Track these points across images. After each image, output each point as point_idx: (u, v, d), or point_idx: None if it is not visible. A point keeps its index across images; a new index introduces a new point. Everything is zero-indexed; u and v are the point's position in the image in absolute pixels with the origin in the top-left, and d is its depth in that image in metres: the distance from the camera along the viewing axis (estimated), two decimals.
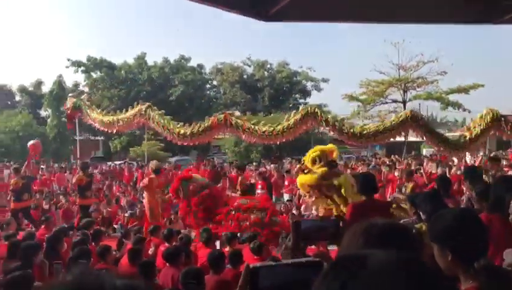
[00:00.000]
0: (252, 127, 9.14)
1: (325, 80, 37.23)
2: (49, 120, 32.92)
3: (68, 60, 33.97)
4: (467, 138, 8.94)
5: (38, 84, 38.55)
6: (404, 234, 1.16)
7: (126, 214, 10.30)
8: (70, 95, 14.04)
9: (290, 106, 37.09)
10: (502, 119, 8.88)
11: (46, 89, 36.72)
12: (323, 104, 32.48)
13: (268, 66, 37.64)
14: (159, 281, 4.51)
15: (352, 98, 27.86)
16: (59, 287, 0.63)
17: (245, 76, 37.36)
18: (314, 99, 36.21)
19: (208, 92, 37.47)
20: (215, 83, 38.48)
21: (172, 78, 33.83)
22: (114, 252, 5.67)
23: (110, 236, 8.90)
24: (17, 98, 39.31)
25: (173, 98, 32.52)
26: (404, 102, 26.87)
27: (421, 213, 3.34)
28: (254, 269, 0.92)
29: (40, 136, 25.92)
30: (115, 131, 11.96)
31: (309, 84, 37.57)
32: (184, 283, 3.62)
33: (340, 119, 9.41)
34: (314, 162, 7.40)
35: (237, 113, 11.24)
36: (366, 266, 0.63)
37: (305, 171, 7.58)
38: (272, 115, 29.60)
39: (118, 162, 22.57)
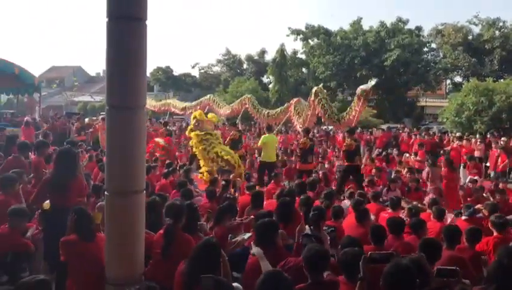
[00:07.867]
0: None
1: None
2: (271, 86, 36.27)
3: (289, 28, 36.17)
4: None
5: (262, 53, 42.79)
6: None
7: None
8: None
9: None
10: None
11: (269, 57, 40.48)
12: None
13: (501, 24, 32.59)
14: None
15: None
16: None
17: (470, 37, 33.36)
18: None
19: (426, 56, 34.79)
20: (434, 46, 35.56)
21: (388, 42, 32.54)
22: None
23: None
24: (245, 66, 44.48)
25: (388, 62, 31.43)
26: None
27: None
28: None
29: (264, 100, 29.00)
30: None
31: None
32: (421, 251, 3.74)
33: None
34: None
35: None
36: None
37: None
38: (503, 80, 25.81)
39: (330, 127, 23.46)
